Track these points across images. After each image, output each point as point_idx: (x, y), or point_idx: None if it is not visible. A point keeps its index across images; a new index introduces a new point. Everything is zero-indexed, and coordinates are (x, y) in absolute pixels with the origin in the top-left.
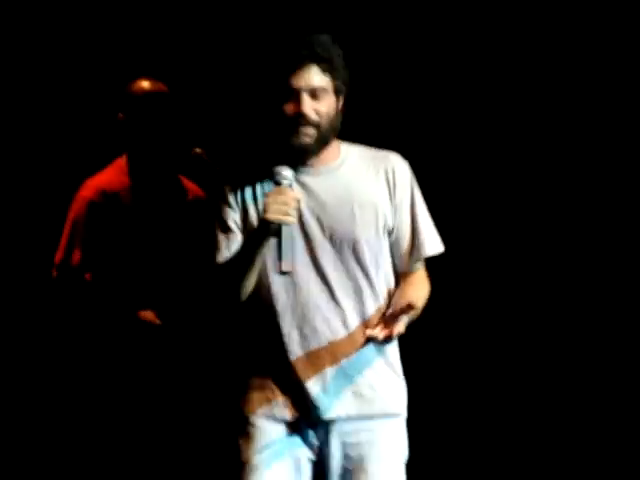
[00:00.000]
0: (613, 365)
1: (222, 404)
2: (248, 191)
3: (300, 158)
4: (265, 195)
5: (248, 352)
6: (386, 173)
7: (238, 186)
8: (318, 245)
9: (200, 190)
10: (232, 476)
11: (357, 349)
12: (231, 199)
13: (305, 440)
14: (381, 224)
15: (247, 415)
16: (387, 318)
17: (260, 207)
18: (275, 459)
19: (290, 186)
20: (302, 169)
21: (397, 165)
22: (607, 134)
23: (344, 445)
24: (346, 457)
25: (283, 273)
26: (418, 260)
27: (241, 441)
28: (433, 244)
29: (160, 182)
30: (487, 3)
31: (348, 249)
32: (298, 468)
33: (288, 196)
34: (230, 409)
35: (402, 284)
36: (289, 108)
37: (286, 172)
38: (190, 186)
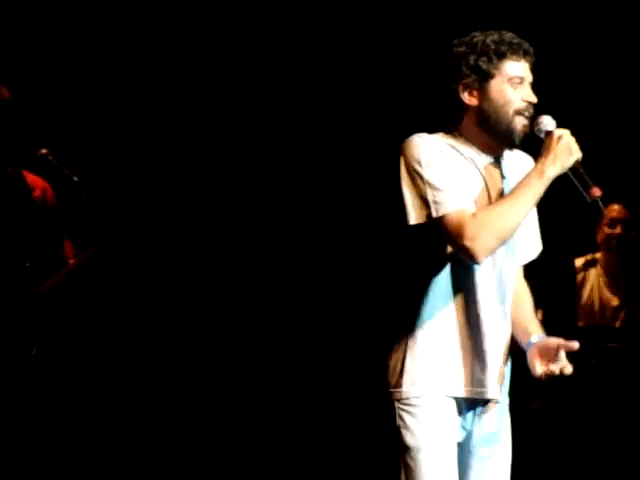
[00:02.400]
0: None
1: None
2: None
3: (511, 145)
4: (555, 141)
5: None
6: (521, 162)
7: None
8: None
9: (49, 187)
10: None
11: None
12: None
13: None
14: None
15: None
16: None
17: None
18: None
19: None
20: (497, 156)
21: (525, 156)
22: None
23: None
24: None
25: (596, 198)
26: None
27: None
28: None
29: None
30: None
31: (518, 241)
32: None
33: (568, 134)
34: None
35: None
36: (519, 95)
37: (549, 118)
38: (38, 183)
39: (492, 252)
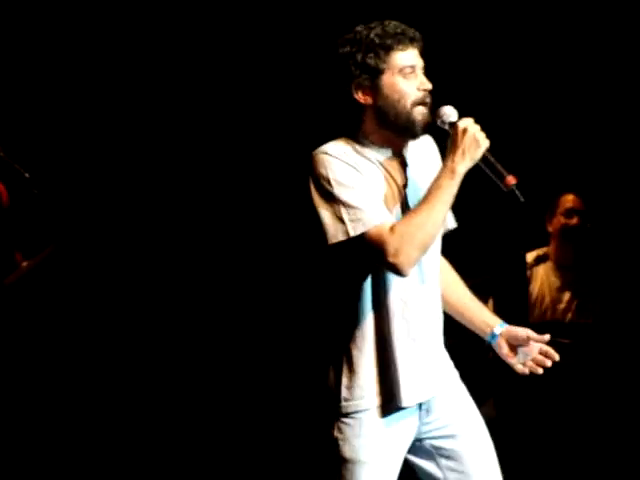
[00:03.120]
0: None
1: None
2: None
3: (414, 137)
4: (461, 134)
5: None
6: (426, 149)
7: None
8: None
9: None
10: None
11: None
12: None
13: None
14: None
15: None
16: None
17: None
18: None
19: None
20: (400, 150)
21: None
22: None
23: None
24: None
25: (512, 187)
26: None
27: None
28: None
29: None
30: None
31: None
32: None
33: (472, 123)
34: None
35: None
36: (413, 85)
37: (450, 108)
38: None
39: (416, 262)
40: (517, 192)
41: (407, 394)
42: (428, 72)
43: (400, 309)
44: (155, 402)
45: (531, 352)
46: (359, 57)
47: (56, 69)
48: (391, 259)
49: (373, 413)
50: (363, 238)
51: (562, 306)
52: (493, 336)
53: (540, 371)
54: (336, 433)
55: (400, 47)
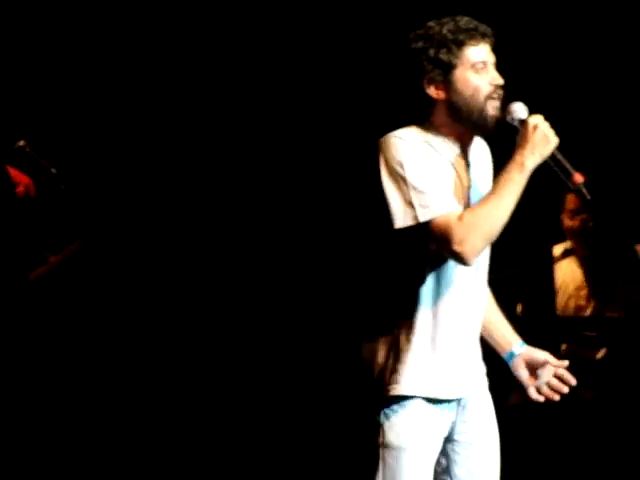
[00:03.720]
0: None
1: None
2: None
3: (486, 132)
4: (531, 131)
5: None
6: (484, 155)
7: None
8: None
9: (30, 180)
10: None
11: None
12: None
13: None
14: None
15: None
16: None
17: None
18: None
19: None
20: (467, 149)
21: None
22: None
23: None
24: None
25: (579, 185)
26: None
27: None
28: None
29: None
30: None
31: None
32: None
33: (542, 120)
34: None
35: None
36: (486, 80)
37: (520, 105)
38: (21, 178)
39: (480, 253)
40: (584, 190)
41: (450, 387)
42: (499, 68)
43: (454, 302)
44: (167, 400)
45: (546, 375)
46: (432, 52)
47: (83, 65)
48: (457, 247)
49: (418, 401)
50: (430, 225)
51: (584, 297)
52: (511, 355)
53: (556, 397)
54: (382, 419)
55: (472, 42)
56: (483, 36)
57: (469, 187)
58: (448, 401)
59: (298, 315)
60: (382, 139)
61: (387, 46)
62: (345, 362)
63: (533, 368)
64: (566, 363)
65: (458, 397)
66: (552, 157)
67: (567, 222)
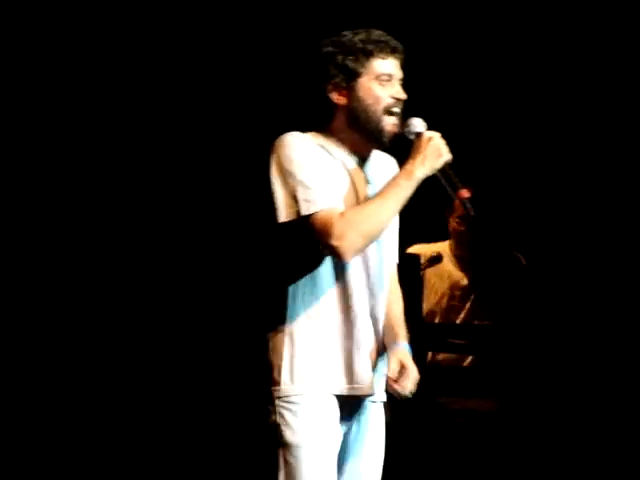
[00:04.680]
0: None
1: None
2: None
3: (380, 144)
4: (425, 142)
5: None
6: (385, 165)
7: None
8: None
9: None
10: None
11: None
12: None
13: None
14: None
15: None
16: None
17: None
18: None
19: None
20: (363, 158)
21: (389, 158)
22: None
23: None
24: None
25: (464, 200)
26: None
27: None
28: None
29: None
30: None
31: (388, 241)
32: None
33: (438, 136)
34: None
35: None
36: (388, 93)
37: (419, 120)
38: None
39: (359, 251)
40: (468, 205)
41: (347, 383)
42: (407, 86)
43: (344, 301)
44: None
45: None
46: (340, 58)
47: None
48: (335, 242)
49: (313, 398)
50: (312, 219)
51: (460, 292)
52: (392, 348)
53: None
54: (278, 418)
55: (381, 55)
56: (393, 51)
57: (364, 196)
58: (342, 399)
59: (193, 313)
60: (278, 137)
61: (299, 49)
62: (242, 361)
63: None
64: (409, 390)
65: (352, 394)
66: (442, 171)
67: (453, 225)
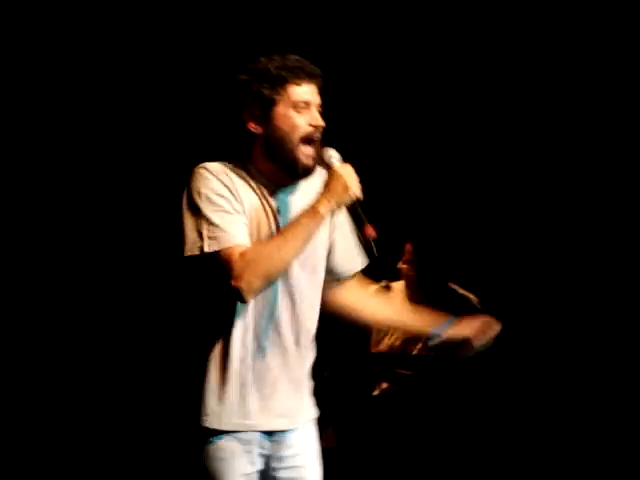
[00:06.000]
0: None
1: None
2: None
3: (295, 175)
4: (332, 178)
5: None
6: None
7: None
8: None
9: None
10: None
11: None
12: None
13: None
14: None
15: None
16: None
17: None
18: None
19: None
20: (284, 188)
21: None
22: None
23: None
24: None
25: (369, 240)
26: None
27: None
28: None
29: None
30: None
31: (313, 267)
32: None
33: (349, 171)
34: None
35: (364, 300)
36: (305, 121)
37: (334, 152)
38: None
39: (258, 292)
40: (373, 245)
41: (256, 419)
42: (328, 113)
43: (253, 336)
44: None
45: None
46: (255, 86)
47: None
48: (233, 282)
49: (222, 434)
50: (213, 257)
51: (412, 337)
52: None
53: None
54: (194, 454)
55: (296, 81)
56: (309, 76)
57: (276, 227)
58: (255, 433)
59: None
60: (194, 168)
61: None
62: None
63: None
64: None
65: (262, 430)
66: (351, 208)
67: (403, 269)
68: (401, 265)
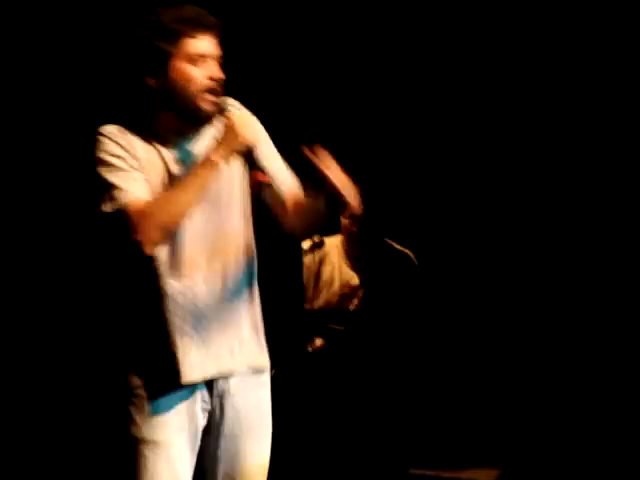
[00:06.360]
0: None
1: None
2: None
3: (197, 124)
4: (226, 126)
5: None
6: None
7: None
8: (212, 206)
9: None
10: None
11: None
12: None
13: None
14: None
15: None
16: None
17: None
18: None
19: None
20: (186, 138)
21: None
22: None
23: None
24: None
25: (258, 182)
26: None
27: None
28: None
29: None
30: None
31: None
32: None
33: (244, 116)
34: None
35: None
36: (203, 74)
37: (231, 100)
38: None
39: (158, 243)
40: (261, 189)
41: (190, 371)
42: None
43: (178, 285)
44: None
45: None
46: (150, 40)
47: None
48: (132, 236)
49: (155, 392)
50: (115, 216)
51: (349, 290)
52: None
53: None
54: (124, 415)
55: (193, 33)
56: (207, 28)
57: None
58: (198, 384)
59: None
60: (95, 132)
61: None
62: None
63: None
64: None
65: (196, 381)
66: (245, 155)
67: (345, 224)
68: (343, 220)
